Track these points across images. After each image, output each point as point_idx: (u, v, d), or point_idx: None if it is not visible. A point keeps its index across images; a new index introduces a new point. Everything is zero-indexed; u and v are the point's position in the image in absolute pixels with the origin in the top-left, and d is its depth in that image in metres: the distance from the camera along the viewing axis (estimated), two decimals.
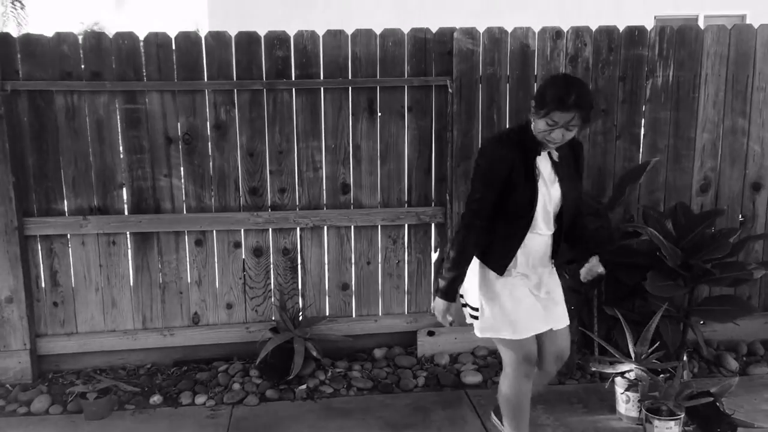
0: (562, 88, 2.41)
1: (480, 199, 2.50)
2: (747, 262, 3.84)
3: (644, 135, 3.86)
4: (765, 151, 3.93)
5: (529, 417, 2.70)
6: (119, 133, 3.56)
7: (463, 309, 2.72)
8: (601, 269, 2.70)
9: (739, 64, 3.83)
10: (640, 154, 3.86)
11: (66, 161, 3.54)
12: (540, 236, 2.60)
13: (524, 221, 2.54)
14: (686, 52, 3.79)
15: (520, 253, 2.58)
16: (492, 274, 2.58)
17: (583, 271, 2.72)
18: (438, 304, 2.58)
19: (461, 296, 2.76)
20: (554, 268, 2.73)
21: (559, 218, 2.62)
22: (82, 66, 3.47)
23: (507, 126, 3.75)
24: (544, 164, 2.55)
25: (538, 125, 2.45)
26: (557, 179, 2.57)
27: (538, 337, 2.65)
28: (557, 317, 2.69)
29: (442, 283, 2.56)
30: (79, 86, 3.46)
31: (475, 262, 2.62)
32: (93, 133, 3.53)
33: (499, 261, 2.57)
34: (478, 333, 2.62)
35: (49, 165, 3.53)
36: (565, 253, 3.37)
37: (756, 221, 3.98)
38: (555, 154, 2.56)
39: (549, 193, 2.56)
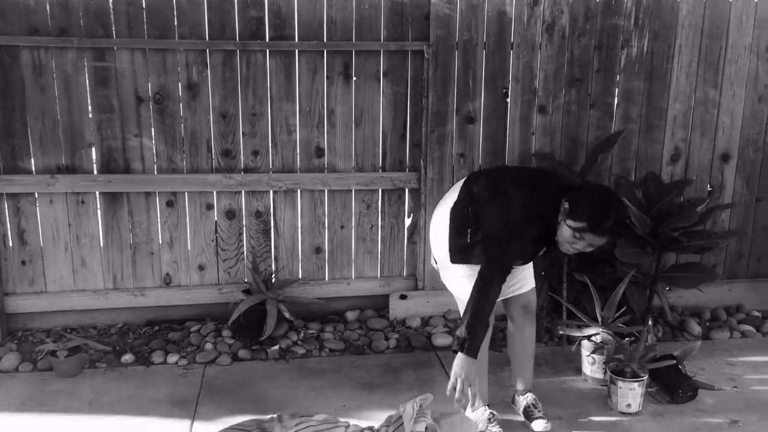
0: (603, 211, 2.40)
1: (508, 253, 2.51)
2: (713, 230, 3.93)
3: (617, 105, 3.89)
4: (734, 123, 3.99)
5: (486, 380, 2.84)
6: (88, 92, 3.48)
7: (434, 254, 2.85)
8: None
9: (713, 36, 3.86)
10: (613, 124, 3.89)
11: (33, 119, 3.46)
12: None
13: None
14: (661, 22, 3.81)
15: None
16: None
17: None
18: (459, 363, 2.44)
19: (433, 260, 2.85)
20: None
21: None
22: (50, 22, 3.38)
23: (481, 96, 3.75)
24: None
25: (564, 232, 2.46)
26: None
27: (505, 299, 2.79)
28: (522, 283, 2.82)
29: (462, 336, 2.44)
30: (46, 42, 3.37)
31: (444, 229, 2.68)
32: (61, 91, 3.46)
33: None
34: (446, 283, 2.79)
35: (15, 122, 3.45)
36: None
37: (724, 191, 4.06)
38: None
39: None
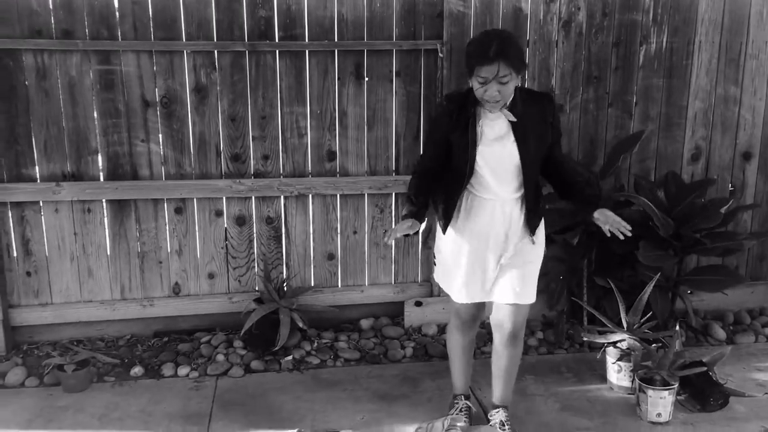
0: (482, 41, 2.39)
1: (423, 153, 2.76)
2: (736, 231, 3.83)
3: (636, 103, 3.79)
4: (756, 120, 3.89)
5: (464, 371, 2.86)
6: (93, 96, 3.38)
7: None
8: (616, 218, 2.62)
9: (733, 32, 3.76)
10: (632, 122, 3.79)
11: (37, 125, 3.36)
12: (489, 200, 2.54)
13: (460, 182, 2.53)
14: (680, 17, 3.71)
15: (464, 215, 2.57)
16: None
17: (605, 227, 2.63)
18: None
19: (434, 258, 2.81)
20: (533, 238, 2.61)
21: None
22: (53, 24, 3.28)
23: None
24: (492, 125, 2.49)
25: (474, 86, 2.42)
26: (514, 140, 2.47)
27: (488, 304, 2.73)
28: (504, 291, 2.59)
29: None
30: (49, 45, 3.26)
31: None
32: (65, 96, 3.35)
33: (441, 218, 2.62)
34: (434, 276, 2.78)
35: (18, 128, 3.34)
36: (556, 221, 3.32)
37: (745, 190, 3.96)
38: (509, 114, 2.47)
39: (500, 154, 2.48)
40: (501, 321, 2.65)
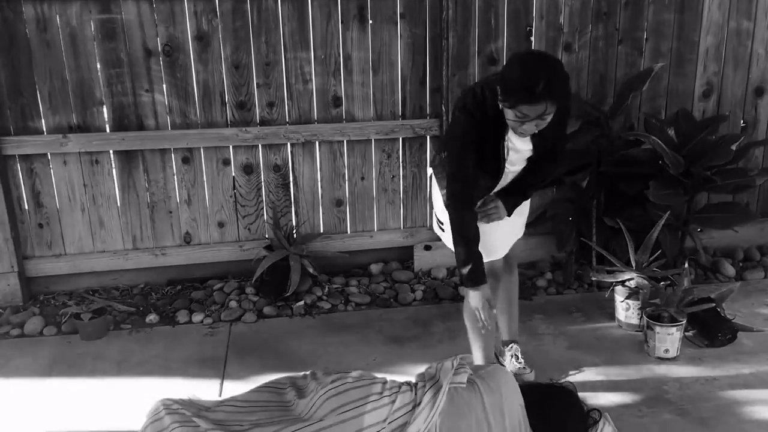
0: (528, 75, 2.06)
1: (462, 188, 2.34)
2: (748, 168, 3.79)
3: (647, 39, 3.70)
4: None
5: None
6: (95, 46, 3.34)
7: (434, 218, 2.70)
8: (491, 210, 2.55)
9: None
10: (643, 59, 3.72)
11: (40, 77, 3.33)
12: (509, 176, 2.51)
13: (490, 183, 2.47)
14: None
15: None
16: None
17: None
18: (470, 296, 2.42)
19: (434, 212, 2.70)
20: None
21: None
22: None
23: (503, 35, 3.57)
24: (517, 141, 2.35)
25: (507, 114, 2.17)
26: (531, 148, 2.40)
27: None
28: (518, 230, 2.71)
29: (463, 273, 2.39)
30: None
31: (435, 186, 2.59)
32: (67, 46, 3.32)
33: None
34: (448, 244, 2.55)
35: (22, 81, 3.32)
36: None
37: (757, 127, 3.90)
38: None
39: (519, 164, 2.46)
40: (511, 255, 2.74)
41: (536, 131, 2.23)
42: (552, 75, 2.07)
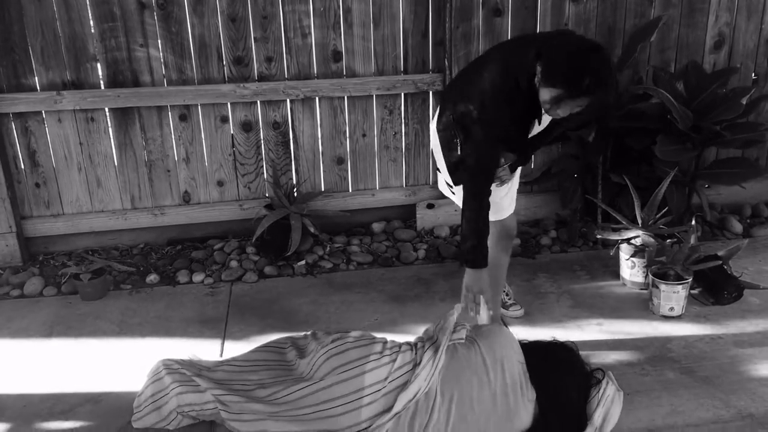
0: (577, 67, 1.97)
1: (485, 181, 2.23)
2: (758, 122, 3.70)
3: None
4: None
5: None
6: None
7: (438, 175, 2.63)
8: None
9: None
10: (653, 9, 3.59)
11: (32, 32, 3.24)
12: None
13: (509, 158, 2.45)
14: None
15: None
16: None
17: None
18: (468, 275, 2.27)
19: (437, 170, 2.60)
20: None
21: None
22: None
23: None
24: (542, 118, 2.30)
25: (543, 95, 2.07)
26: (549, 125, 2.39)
27: None
28: (516, 180, 2.66)
29: (465, 250, 2.26)
30: None
31: (437, 148, 2.51)
32: (59, 0, 3.22)
33: None
34: (457, 202, 2.46)
35: (13, 36, 3.23)
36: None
37: None
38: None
39: (543, 123, 2.38)
40: (509, 225, 2.67)
41: (568, 115, 2.12)
42: (600, 70, 1.98)
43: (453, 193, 2.58)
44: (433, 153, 2.66)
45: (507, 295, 2.91)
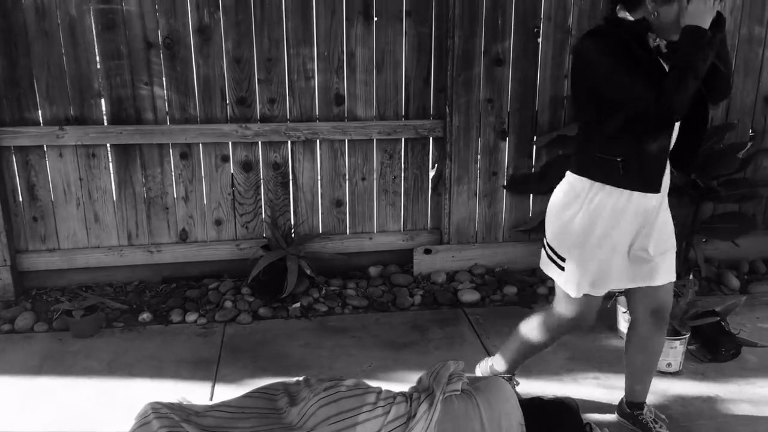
0: None
1: (647, 84, 1.90)
2: (755, 178, 3.73)
3: None
4: None
5: None
6: (94, 37, 3.28)
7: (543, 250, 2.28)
8: None
9: None
10: None
11: (38, 67, 3.27)
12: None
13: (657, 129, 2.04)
14: None
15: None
16: (605, 214, 2.07)
17: None
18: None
19: (545, 238, 2.26)
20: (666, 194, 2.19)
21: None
22: None
23: (510, 35, 3.51)
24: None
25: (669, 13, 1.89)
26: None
27: (627, 292, 2.30)
28: (661, 272, 2.20)
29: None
30: None
31: (583, 193, 2.09)
32: (66, 37, 3.25)
33: (650, 175, 2.05)
34: (560, 284, 2.22)
35: (19, 71, 3.26)
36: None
37: (766, 136, 3.83)
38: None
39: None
40: (662, 301, 2.29)
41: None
42: None
43: (561, 269, 2.20)
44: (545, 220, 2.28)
45: (656, 422, 2.42)
